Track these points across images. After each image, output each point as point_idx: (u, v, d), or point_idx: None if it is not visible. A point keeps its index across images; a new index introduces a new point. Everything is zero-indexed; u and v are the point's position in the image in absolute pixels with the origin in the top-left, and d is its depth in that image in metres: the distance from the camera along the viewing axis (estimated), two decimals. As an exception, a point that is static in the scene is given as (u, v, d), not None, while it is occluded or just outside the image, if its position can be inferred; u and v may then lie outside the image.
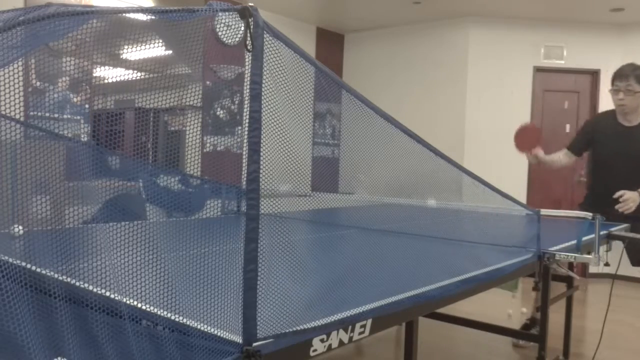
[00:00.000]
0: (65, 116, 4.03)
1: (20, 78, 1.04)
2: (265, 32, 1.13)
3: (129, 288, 1.11)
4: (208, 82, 5.35)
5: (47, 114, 3.10)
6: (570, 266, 2.99)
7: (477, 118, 6.03)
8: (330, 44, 6.84)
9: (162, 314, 1.14)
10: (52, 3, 1.01)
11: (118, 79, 1.45)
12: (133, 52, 1.19)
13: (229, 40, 4.88)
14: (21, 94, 1.02)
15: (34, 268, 1.12)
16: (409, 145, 1.75)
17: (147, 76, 1.39)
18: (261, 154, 1.09)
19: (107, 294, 1.12)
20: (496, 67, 6.02)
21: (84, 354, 1.00)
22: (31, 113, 2.56)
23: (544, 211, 2.44)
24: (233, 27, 1.24)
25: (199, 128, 5.15)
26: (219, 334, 1.09)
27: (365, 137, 1.71)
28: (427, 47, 6.35)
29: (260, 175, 1.09)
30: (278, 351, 1.12)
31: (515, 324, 3.81)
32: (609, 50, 5.99)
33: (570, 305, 3.30)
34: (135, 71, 1.30)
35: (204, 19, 1.11)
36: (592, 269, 5.42)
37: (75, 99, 4.11)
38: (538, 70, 6.03)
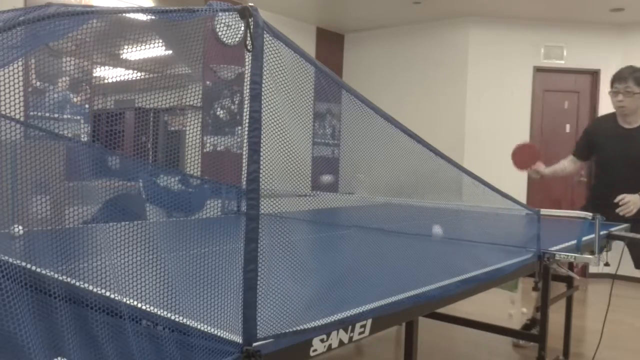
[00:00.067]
0: (65, 116, 4.03)
1: (20, 78, 1.04)
2: (265, 32, 1.13)
3: (129, 288, 1.11)
4: (208, 82, 5.35)
5: (47, 114, 3.10)
6: (570, 266, 2.99)
7: (477, 118, 6.03)
8: (330, 44, 6.84)
9: (162, 314, 1.14)
10: (52, 3, 1.01)
11: (118, 79, 1.45)
12: (133, 52, 1.19)
13: (229, 40, 4.88)
14: (21, 94, 1.02)
15: (34, 268, 1.12)
16: (409, 145, 1.75)
17: (147, 76, 1.39)
18: (261, 154, 1.09)
19: (107, 294, 1.12)
20: (496, 67, 6.02)
21: (84, 354, 1.00)
22: (31, 113, 2.56)
23: (544, 211, 2.44)
24: (233, 27, 1.24)
25: (199, 128, 5.15)
26: (219, 334, 1.09)
27: (365, 137, 1.71)
28: (427, 47, 6.35)
29: (260, 175, 1.09)
30: (278, 351, 1.12)
31: (516, 324, 3.81)
32: (609, 50, 5.99)
33: (570, 305, 3.30)
34: (135, 71, 1.30)
35: (204, 19, 1.11)
36: (592, 269, 5.42)
37: (75, 99, 4.11)
38: (538, 70, 6.03)
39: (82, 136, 4.09)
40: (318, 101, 5.94)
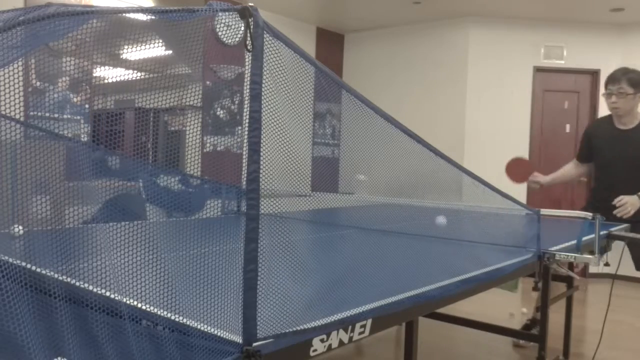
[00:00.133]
0: (65, 116, 4.03)
1: (20, 78, 1.04)
2: (265, 32, 1.13)
3: (129, 288, 1.11)
4: (208, 82, 5.35)
5: (47, 114, 3.10)
6: (571, 266, 2.99)
7: (477, 118, 6.03)
8: (330, 44, 6.84)
9: (162, 314, 1.14)
10: (52, 3, 1.01)
11: (118, 79, 1.45)
12: (133, 52, 1.19)
13: (229, 40, 4.88)
14: (21, 94, 1.02)
15: (34, 268, 1.12)
16: (409, 145, 1.75)
17: (147, 76, 1.39)
18: (261, 154, 1.09)
19: (107, 294, 1.12)
20: (496, 67, 6.02)
21: (84, 354, 1.00)
22: (31, 113, 2.56)
23: (544, 211, 2.44)
24: (233, 27, 1.24)
25: (199, 128, 5.15)
26: (219, 334, 1.09)
27: (365, 137, 1.71)
28: (427, 47, 6.35)
29: (260, 175, 1.09)
30: (278, 351, 1.12)
31: (516, 324, 3.81)
32: (609, 50, 5.99)
33: (570, 305, 3.30)
34: (135, 71, 1.30)
35: (204, 19, 1.11)
36: (592, 269, 5.42)
37: (75, 99, 4.11)
38: (538, 70, 6.03)
39: (82, 136, 4.09)
40: (318, 101, 5.94)
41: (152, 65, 1.38)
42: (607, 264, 2.74)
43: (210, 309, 1.13)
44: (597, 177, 3.54)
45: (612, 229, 2.94)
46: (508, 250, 2.27)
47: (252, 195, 1.08)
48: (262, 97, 1.11)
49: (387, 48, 6.66)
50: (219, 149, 5.43)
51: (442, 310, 2.74)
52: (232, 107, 5.53)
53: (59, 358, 0.95)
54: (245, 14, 1.09)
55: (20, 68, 1.03)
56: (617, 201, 3.14)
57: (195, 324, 1.11)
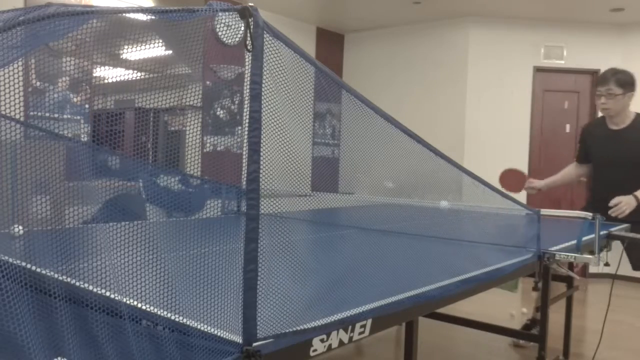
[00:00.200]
0: (65, 116, 4.03)
1: (20, 78, 1.04)
2: (265, 32, 1.13)
3: (129, 288, 1.11)
4: (208, 82, 5.35)
5: (47, 114, 3.10)
6: (570, 266, 2.99)
7: (477, 118, 6.03)
8: (330, 44, 6.84)
9: (162, 314, 1.14)
10: (52, 3, 1.01)
11: (118, 79, 1.45)
12: (133, 52, 1.19)
13: (229, 40, 4.88)
14: (21, 94, 1.02)
15: (34, 268, 1.12)
16: (409, 145, 1.75)
17: (147, 76, 1.39)
18: (261, 154, 1.09)
19: (107, 294, 1.12)
20: (496, 67, 6.02)
21: (84, 354, 1.00)
22: (31, 113, 2.56)
23: (544, 211, 2.44)
24: (233, 27, 1.24)
25: (199, 128, 5.15)
26: (219, 334, 1.09)
27: (365, 137, 1.71)
28: (427, 47, 6.35)
29: (260, 175, 1.09)
30: (278, 351, 1.12)
31: (516, 324, 3.81)
32: (609, 50, 5.99)
33: (570, 305, 3.30)
34: (135, 71, 1.30)
35: (204, 19, 1.11)
36: (592, 269, 5.42)
37: (75, 99, 4.11)
38: (538, 70, 6.03)
39: (82, 136, 4.09)
40: (318, 101, 5.94)
41: (152, 65, 1.38)
42: (607, 264, 2.74)
43: (210, 309, 1.13)
44: (594, 177, 3.56)
45: (612, 229, 2.94)
46: (508, 250, 2.27)
47: (252, 195, 1.08)
48: (262, 97, 1.11)
49: (387, 48, 6.66)
50: (219, 149, 5.43)
51: (442, 310, 2.74)
52: (232, 107, 5.53)
53: (59, 358, 0.95)
54: (245, 14, 1.09)
55: (20, 68, 1.03)
56: (612, 202, 3.15)
57: (195, 324, 1.11)
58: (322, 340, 1.23)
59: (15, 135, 1.05)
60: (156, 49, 1.15)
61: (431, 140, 1.83)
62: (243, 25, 1.10)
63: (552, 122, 6.09)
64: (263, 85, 1.11)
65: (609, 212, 3.14)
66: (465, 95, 6.05)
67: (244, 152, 1.08)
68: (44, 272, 1.13)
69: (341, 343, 1.28)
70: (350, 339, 1.31)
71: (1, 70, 0.93)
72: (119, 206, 1.27)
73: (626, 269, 2.88)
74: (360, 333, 1.34)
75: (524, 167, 5.89)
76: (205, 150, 5.33)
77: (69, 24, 0.96)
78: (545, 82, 6.06)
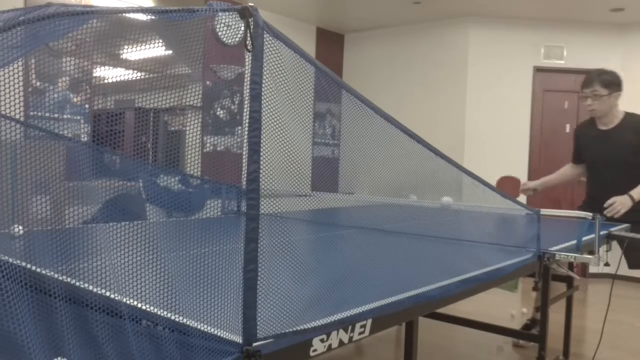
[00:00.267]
0: (65, 116, 4.03)
1: (20, 78, 1.04)
2: (265, 32, 1.13)
3: (129, 288, 1.11)
4: (208, 82, 5.35)
5: (47, 114, 3.10)
6: (570, 266, 2.99)
7: (477, 118, 6.03)
8: (330, 44, 6.84)
9: (162, 314, 1.14)
10: (52, 3, 1.01)
11: (118, 79, 1.45)
12: (133, 52, 1.19)
13: (229, 40, 4.88)
14: (21, 94, 1.02)
15: (34, 268, 1.12)
16: (409, 145, 1.75)
17: (147, 76, 1.39)
18: (261, 154, 1.09)
19: (107, 294, 1.12)
20: (496, 67, 6.02)
21: (84, 354, 1.00)
22: (31, 113, 2.56)
23: (544, 211, 2.44)
24: (233, 27, 1.24)
25: (199, 128, 5.15)
26: (219, 334, 1.09)
27: (365, 137, 1.71)
28: (427, 47, 6.35)
29: (260, 175, 1.09)
30: (278, 351, 1.12)
31: (516, 324, 3.81)
32: (609, 50, 5.99)
33: (570, 305, 3.30)
34: (135, 71, 1.30)
35: (204, 19, 1.11)
36: (592, 269, 5.42)
37: (75, 99, 4.11)
38: (538, 70, 6.03)
39: (82, 136, 4.09)
40: (318, 101, 5.94)
41: (152, 65, 1.38)
42: (607, 264, 2.74)
43: (210, 309, 1.13)
44: (588, 177, 3.58)
45: (612, 229, 2.94)
46: (508, 250, 2.27)
47: (252, 195, 1.08)
48: (262, 97, 1.11)
49: (387, 48, 6.66)
50: (219, 149, 5.43)
51: (442, 310, 2.74)
52: (232, 107, 5.53)
53: (59, 358, 0.95)
54: (245, 14, 1.09)
55: (20, 68, 1.03)
56: (607, 203, 3.16)
57: (195, 324, 1.11)
58: (322, 340, 1.23)
59: (15, 135, 1.05)
60: (156, 49, 1.15)
61: (431, 140, 1.83)
62: (243, 25, 1.10)
63: (552, 122, 6.09)
64: (263, 85, 1.11)
65: (604, 212, 3.14)
66: (465, 95, 6.05)
67: (244, 152, 1.08)
68: (44, 272, 1.13)
69: (341, 343, 1.28)
70: (350, 339, 1.31)
71: (1, 70, 0.93)
72: (119, 206, 1.27)
73: (626, 269, 2.88)
74: (360, 333, 1.34)
75: (524, 167, 5.91)
76: (205, 150, 5.33)
77: (69, 24, 0.96)
78: (545, 82, 6.06)
